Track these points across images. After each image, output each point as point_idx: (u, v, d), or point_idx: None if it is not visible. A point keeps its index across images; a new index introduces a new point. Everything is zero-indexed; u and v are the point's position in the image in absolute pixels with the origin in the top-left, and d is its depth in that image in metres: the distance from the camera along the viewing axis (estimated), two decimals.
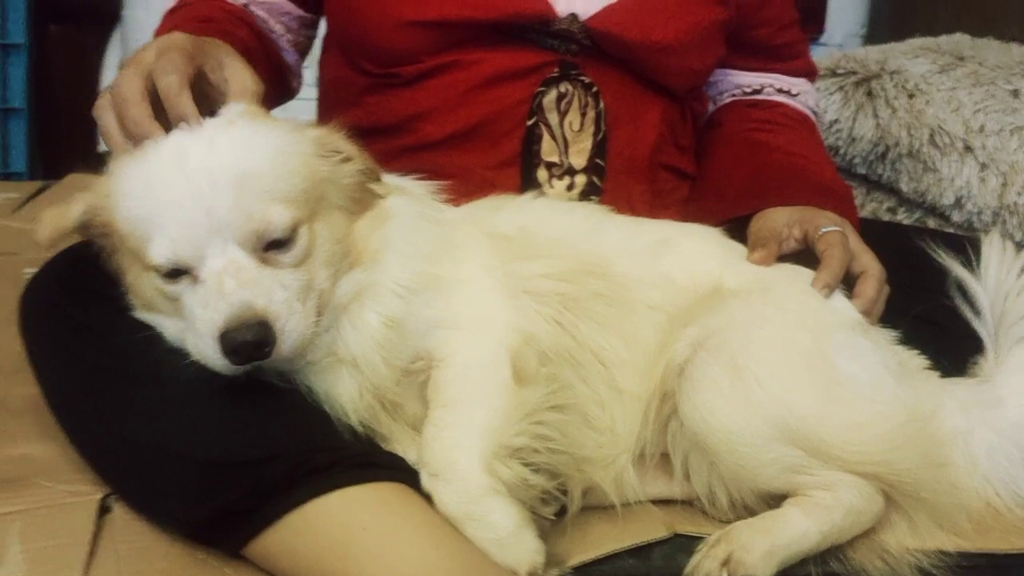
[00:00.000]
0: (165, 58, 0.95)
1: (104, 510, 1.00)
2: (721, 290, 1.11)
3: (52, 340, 1.05)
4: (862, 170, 1.92)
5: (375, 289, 0.97)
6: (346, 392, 0.97)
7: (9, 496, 1.01)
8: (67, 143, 2.92)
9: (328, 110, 1.43)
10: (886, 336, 1.15)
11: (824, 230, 1.18)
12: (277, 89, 1.37)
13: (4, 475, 1.05)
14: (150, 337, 0.98)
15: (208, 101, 0.99)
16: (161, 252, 0.89)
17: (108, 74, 2.84)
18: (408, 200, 1.06)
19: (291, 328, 0.89)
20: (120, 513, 1.00)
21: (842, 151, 1.92)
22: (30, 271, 1.73)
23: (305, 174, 0.93)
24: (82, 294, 1.03)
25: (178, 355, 0.94)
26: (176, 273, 0.91)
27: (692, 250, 1.15)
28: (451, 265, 1.02)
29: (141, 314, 0.99)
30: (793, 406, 1.00)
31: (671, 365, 1.06)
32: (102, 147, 2.94)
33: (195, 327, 0.90)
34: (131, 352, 0.97)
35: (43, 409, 1.07)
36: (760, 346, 1.03)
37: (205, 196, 0.88)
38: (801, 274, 1.15)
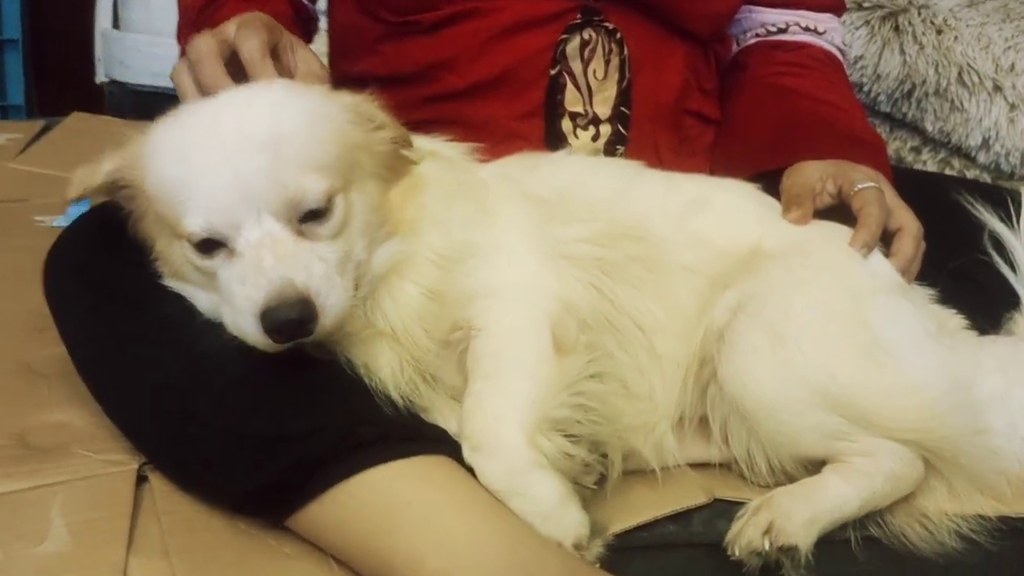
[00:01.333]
0: (247, 27, 0.95)
1: (140, 479, 1.00)
2: (760, 252, 1.09)
3: (81, 306, 1.03)
4: (886, 108, 1.88)
5: (413, 259, 0.95)
6: (386, 365, 0.95)
7: (49, 467, 1.01)
8: (64, 76, 2.85)
9: (341, 58, 1.39)
10: (924, 295, 1.14)
11: (860, 186, 1.16)
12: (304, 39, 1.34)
13: (42, 443, 1.04)
14: (184, 307, 0.96)
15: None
16: (195, 221, 0.87)
17: (103, 3, 2.75)
18: (442, 165, 1.03)
19: (332, 303, 0.87)
20: (158, 483, 0.99)
21: (866, 88, 1.88)
22: (41, 219, 1.73)
23: (339, 140, 0.91)
24: (111, 259, 1.01)
25: (213, 327, 0.92)
26: (210, 246, 0.89)
27: (729, 210, 1.13)
28: (488, 231, 1.00)
29: (171, 282, 0.97)
30: (834, 373, 1.00)
31: (710, 329, 1.05)
32: (100, 79, 2.87)
33: (233, 303, 0.88)
34: (165, 321, 0.96)
35: (73, 372, 1.06)
36: (800, 311, 1.02)
37: (238, 164, 0.86)
38: (839, 233, 1.13)
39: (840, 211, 1.18)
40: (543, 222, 1.04)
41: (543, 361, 0.96)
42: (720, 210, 1.12)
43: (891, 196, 1.18)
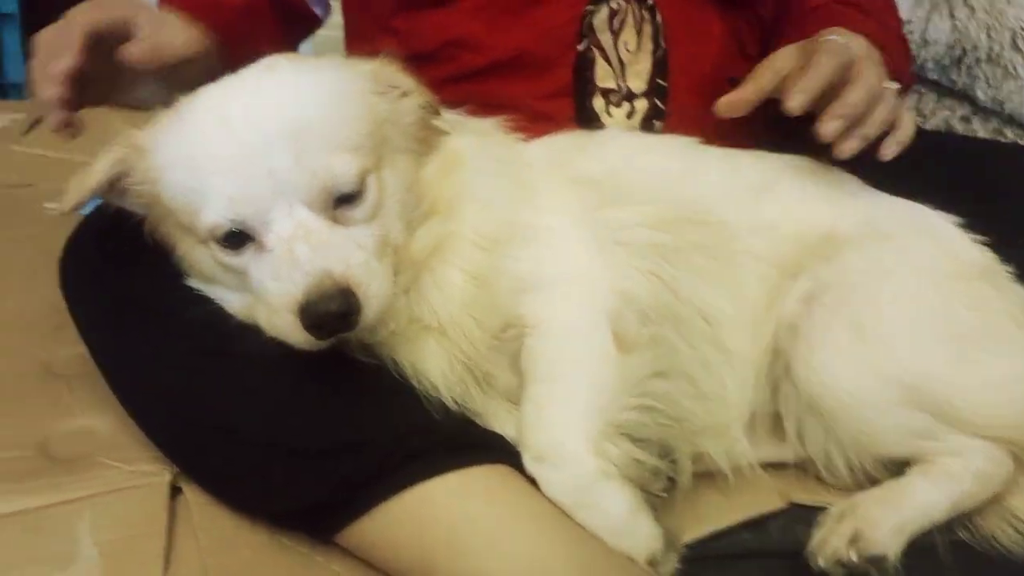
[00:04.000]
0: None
1: (174, 491, 0.93)
2: (832, 237, 1.01)
3: (102, 310, 0.95)
4: (934, 75, 1.79)
5: (454, 241, 0.89)
6: (435, 364, 0.88)
7: (74, 480, 0.93)
8: None
9: (354, 39, 1.31)
10: (1007, 277, 1.05)
11: (822, 39, 0.98)
12: (294, 27, 1.29)
13: (65, 454, 0.97)
14: (211, 309, 0.89)
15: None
16: (218, 218, 0.81)
17: None
18: (479, 139, 0.96)
19: (374, 292, 0.80)
20: (193, 496, 0.92)
21: (913, 55, 1.78)
22: (51, 205, 1.64)
23: (365, 116, 0.84)
24: (131, 257, 0.93)
25: (247, 330, 0.85)
26: (238, 242, 0.82)
27: (797, 192, 1.05)
28: (535, 212, 0.93)
29: (197, 284, 0.91)
30: (922, 368, 0.92)
31: (782, 321, 0.98)
32: None
33: (267, 301, 0.81)
34: (195, 325, 0.88)
35: (96, 372, 0.98)
36: (883, 302, 0.95)
37: (261, 156, 0.79)
38: (918, 214, 1.05)
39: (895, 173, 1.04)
40: (595, 205, 0.96)
41: (605, 360, 0.89)
42: (787, 192, 1.04)
43: (863, 50, 0.99)
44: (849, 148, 0.95)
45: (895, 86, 0.99)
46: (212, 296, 0.89)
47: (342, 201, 0.82)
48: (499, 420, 0.91)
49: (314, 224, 0.80)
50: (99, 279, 0.95)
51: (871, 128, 0.96)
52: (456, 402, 0.89)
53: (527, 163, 0.98)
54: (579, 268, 0.92)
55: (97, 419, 1.02)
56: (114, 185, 0.88)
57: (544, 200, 0.94)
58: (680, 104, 1.19)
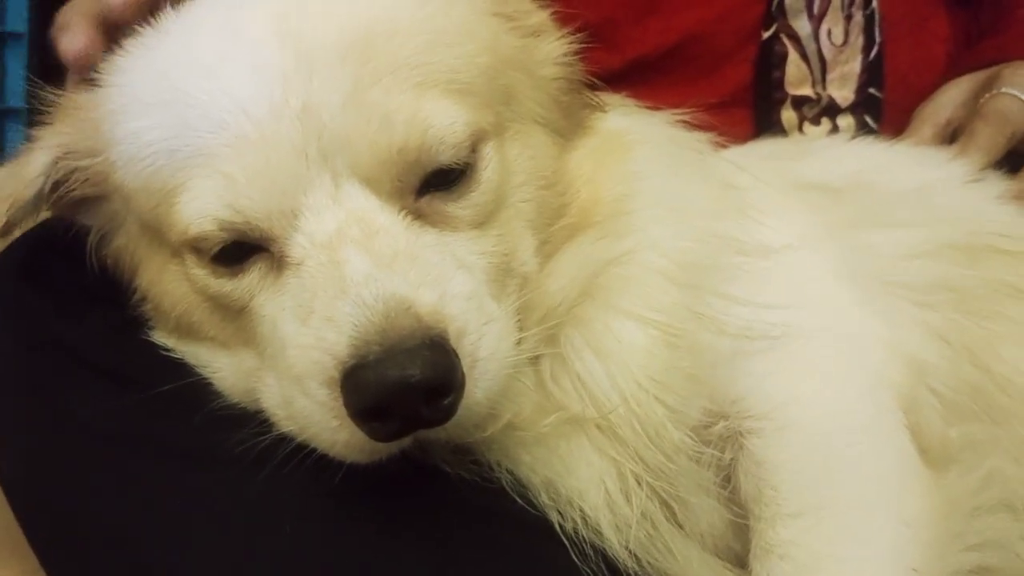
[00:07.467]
0: None
1: None
2: None
3: (16, 388, 0.63)
4: None
5: (629, 271, 0.60)
6: (594, 483, 0.56)
7: None
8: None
9: None
10: None
11: (993, 91, 0.81)
12: None
13: None
14: (190, 385, 0.58)
15: None
16: (206, 206, 0.51)
17: None
18: (650, 122, 0.68)
19: (488, 352, 0.50)
20: None
21: None
22: None
23: (484, 44, 0.57)
24: (60, 304, 0.63)
25: (247, 421, 0.54)
26: (237, 256, 0.53)
27: None
28: (753, 228, 0.63)
29: (169, 341, 0.60)
30: None
31: None
32: None
33: (285, 363, 0.51)
34: (158, 414, 0.56)
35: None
36: None
37: (288, 89, 0.50)
38: None
39: None
40: (839, 222, 0.66)
41: (910, 481, 0.57)
42: None
43: None
44: None
45: None
46: (190, 360, 0.59)
47: (435, 183, 0.53)
48: None
49: (381, 218, 0.50)
50: (8, 334, 0.62)
51: None
52: (631, 552, 0.56)
53: (728, 160, 0.72)
54: (839, 315, 0.62)
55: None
56: (61, 185, 0.60)
57: (767, 210, 0.64)
58: (896, 124, 0.95)
